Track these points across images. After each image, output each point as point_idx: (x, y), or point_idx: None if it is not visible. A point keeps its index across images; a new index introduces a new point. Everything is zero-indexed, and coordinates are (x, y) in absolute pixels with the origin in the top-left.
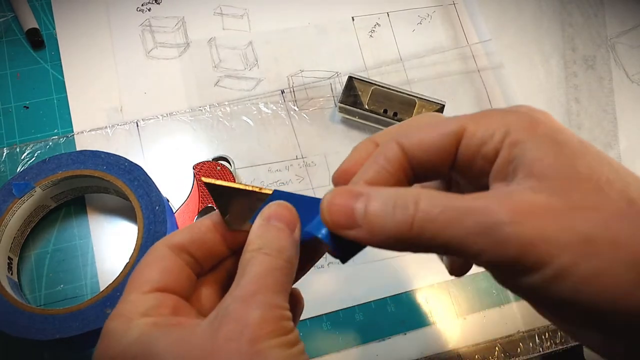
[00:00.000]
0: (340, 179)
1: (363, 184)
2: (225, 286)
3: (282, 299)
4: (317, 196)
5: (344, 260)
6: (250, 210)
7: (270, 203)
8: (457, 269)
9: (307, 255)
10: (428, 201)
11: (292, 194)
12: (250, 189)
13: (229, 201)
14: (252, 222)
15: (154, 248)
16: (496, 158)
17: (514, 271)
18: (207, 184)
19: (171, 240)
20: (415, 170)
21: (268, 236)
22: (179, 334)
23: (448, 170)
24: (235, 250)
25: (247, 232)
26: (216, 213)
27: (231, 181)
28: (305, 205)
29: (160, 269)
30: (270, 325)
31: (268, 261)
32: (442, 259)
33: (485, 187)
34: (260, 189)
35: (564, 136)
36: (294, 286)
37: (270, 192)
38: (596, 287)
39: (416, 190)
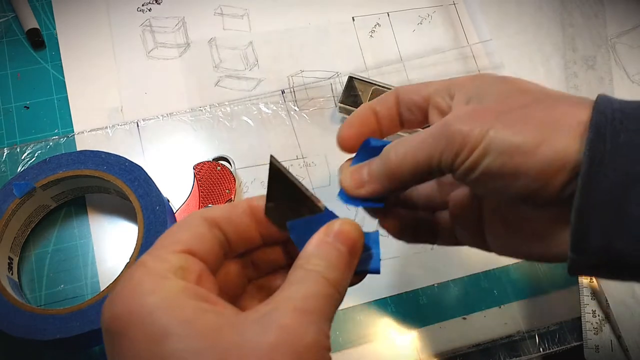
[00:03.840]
0: (345, 144)
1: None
2: (250, 276)
3: (329, 328)
4: (318, 196)
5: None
6: (294, 213)
7: (342, 220)
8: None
9: None
10: (401, 143)
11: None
12: (308, 194)
13: (281, 193)
14: (291, 226)
15: (188, 216)
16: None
17: (461, 160)
18: (272, 165)
19: (207, 213)
20: (403, 114)
21: (329, 259)
22: (214, 321)
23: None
24: (267, 242)
25: (280, 230)
26: (259, 197)
27: (232, 181)
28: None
29: (193, 234)
30: (318, 351)
31: (326, 287)
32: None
33: None
34: (317, 200)
35: (500, 77)
36: None
37: (322, 209)
38: (511, 149)
39: (393, 142)
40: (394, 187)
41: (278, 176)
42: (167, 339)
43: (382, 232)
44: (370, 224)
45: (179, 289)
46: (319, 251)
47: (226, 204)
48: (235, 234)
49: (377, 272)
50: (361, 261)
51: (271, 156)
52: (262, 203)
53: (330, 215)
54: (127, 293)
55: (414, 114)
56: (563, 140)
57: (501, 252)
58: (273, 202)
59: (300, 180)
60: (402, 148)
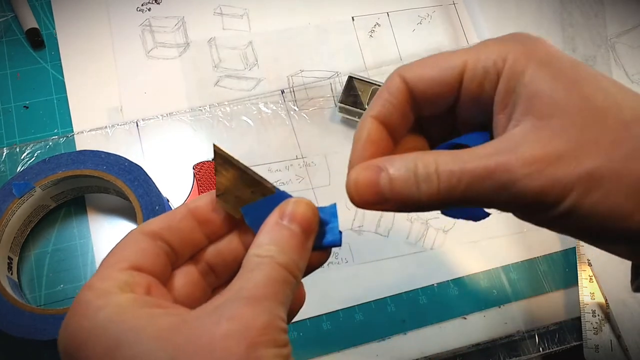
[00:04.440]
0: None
1: (381, 158)
2: (206, 277)
3: (283, 312)
4: (318, 196)
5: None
6: (247, 199)
7: (292, 199)
8: None
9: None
10: (447, 169)
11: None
12: (257, 177)
13: (231, 180)
14: (245, 210)
15: (129, 233)
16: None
17: (532, 211)
18: (217, 153)
19: (145, 227)
20: (419, 104)
21: (281, 242)
22: (167, 322)
23: (451, 103)
24: (213, 240)
25: (228, 221)
26: (197, 198)
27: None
28: None
29: (135, 250)
30: (271, 334)
31: (278, 271)
32: None
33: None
34: (267, 182)
35: (559, 63)
36: None
37: (274, 190)
38: (602, 215)
39: (431, 156)
40: (426, 209)
41: (225, 164)
42: (120, 348)
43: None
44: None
45: (128, 301)
46: (270, 235)
47: (164, 213)
48: (178, 240)
49: (338, 244)
50: (319, 236)
51: (214, 145)
52: (201, 203)
53: (283, 195)
54: (77, 314)
55: (437, 104)
56: None
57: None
58: (224, 191)
59: (247, 165)
60: (447, 177)
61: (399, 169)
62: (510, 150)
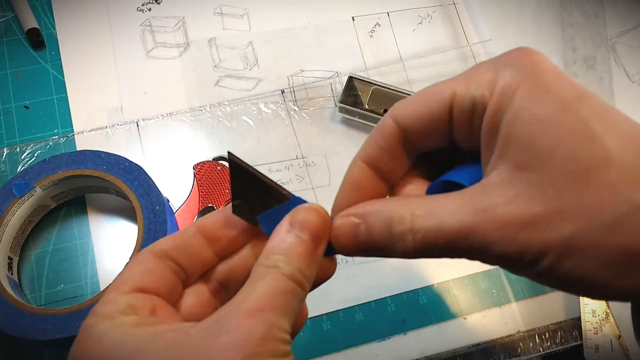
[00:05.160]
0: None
1: (360, 206)
2: (217, 295)
3: (286, 323)
4: (318, 196)
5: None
6: (263, 206)
7: (304, 206)
8: None
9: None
10: (422, 228)
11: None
12: (272, 184)
13: (246, 188)
14: (262, 219)
15: (138, 254)
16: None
17: (513, 269)
18: (232, 161)
19: (155, 247)
20: (413, 142)
21: (289, 252)
22: (171, 337)
23: (448, 137)
24: (223, 257)
25: (238, 237)
26: (206, 217)
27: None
28: None
29: (141, 271)
30: (270, 345)
31: (283, 282)
32: None
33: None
34: (282, 188)
35: (555, 95)
36: None
37: (289, 197)
38: (579, 281)
39: (407, 210)
40: (405, 257)
41: (240, 171)
42: None
43: None
44: None
45: (131, 323)
46: (279, 244)
47: (174, 233)
48: (187, 258)
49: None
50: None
51: (229, 152)
52: (209, 221)
53: (299, 201)
54: (82, 341)
55: (431, 139)
56: None
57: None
58: (239, 198)
59: (262, 172)
60: (422, 234)
61: (375, 224)
62: (485, 208)
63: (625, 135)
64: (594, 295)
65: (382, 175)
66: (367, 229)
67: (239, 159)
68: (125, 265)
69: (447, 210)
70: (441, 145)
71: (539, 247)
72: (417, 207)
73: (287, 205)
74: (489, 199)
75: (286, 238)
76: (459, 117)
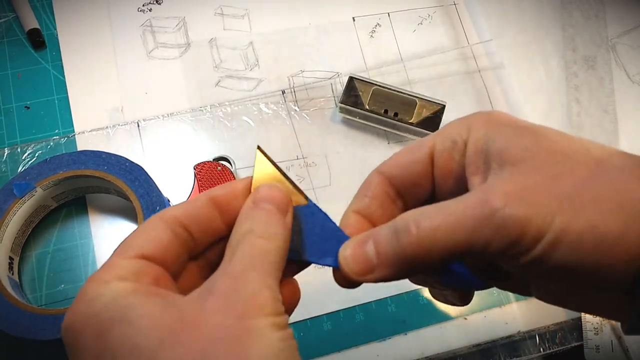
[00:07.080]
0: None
1: (368, 232)
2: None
3: (273, 281)
4: (318, 196)
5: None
6: None
7: (261, 185)
8: (461, 298)
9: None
10: (426, 216)
11: (324, 213)
12: (293, 186)
13: (268, 181)
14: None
15: (148, 220)
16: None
17: (518, 251)
18: (261, 152)
19: (165, 213)
20: (400, 191)
21: (258, 219)
22: (159, 302)
23: (431, 185)
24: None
25: None
26: (218, 187)
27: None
28: (329, 232)
29: (148, 237)
30: (261, 302)
31: (259, 243)
32: (444, 298)
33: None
34: (302, 192)
35: (519, 122)
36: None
37: (306, 202)
38: (591, 241)
39: (410, 212)
40: (414, 271)
41: (266, 166)
42: (111, 330)
43: None
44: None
45: (126, 289)
46: (248, 215)
47: (185, 201)
48: (197, 227)
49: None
50: (313, 249)
51: (258, 146)
52: (223, 192)
53: (315, 208)
54: (76, 304)
55: (416, 185)
56: None
57: (549, 302)
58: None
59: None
60: (428, 223)
61: (381, 230)
62: (489, 188)
63: (560, 134)
64: (585, 284)
65: (375, 224)
66: (374, 241)
67: (267, 154)
68: (134, 230)
69: (448, 209)
70: (425, 193)
71: (546, 206)
72: (418, 212)
73: (302, 209)
74: (492, 185)
75: (253, 210)
76: (439, 158)
